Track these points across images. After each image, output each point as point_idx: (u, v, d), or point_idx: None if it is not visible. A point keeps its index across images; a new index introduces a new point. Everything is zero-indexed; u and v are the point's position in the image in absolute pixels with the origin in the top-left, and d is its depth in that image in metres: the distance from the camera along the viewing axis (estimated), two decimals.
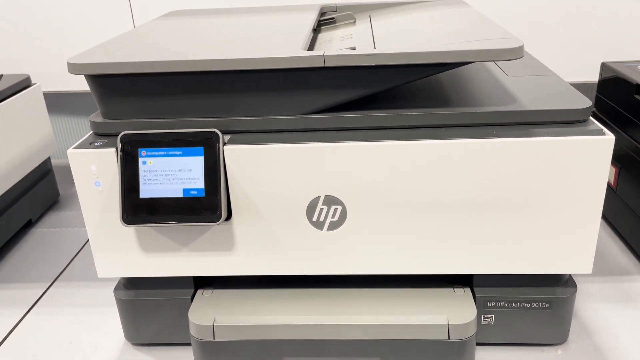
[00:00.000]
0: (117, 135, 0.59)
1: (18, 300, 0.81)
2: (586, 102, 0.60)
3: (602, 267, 0.83)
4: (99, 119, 0.62)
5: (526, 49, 0.67)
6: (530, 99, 0.61)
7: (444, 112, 0.59)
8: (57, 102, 1.28)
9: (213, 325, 0.62)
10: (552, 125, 0.58)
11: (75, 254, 0.93)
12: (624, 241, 0.89)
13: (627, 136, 0.84)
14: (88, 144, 0.60)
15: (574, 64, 1.11)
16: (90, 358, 0.70)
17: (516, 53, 0.54)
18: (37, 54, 1.17)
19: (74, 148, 0.60)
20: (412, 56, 0.55)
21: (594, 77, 1.02)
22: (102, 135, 0.62)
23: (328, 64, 0.56)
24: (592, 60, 1.07)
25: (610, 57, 0.99)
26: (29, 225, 1.02)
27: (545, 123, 0.58)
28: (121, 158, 0.58)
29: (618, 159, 0.87)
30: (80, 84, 0.60)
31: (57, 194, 1.11)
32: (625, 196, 0.87)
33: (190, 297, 0.67)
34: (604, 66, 0.93)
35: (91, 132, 0.63)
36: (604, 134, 0.56)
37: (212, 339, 0.63)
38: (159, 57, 0.58)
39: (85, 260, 0.90)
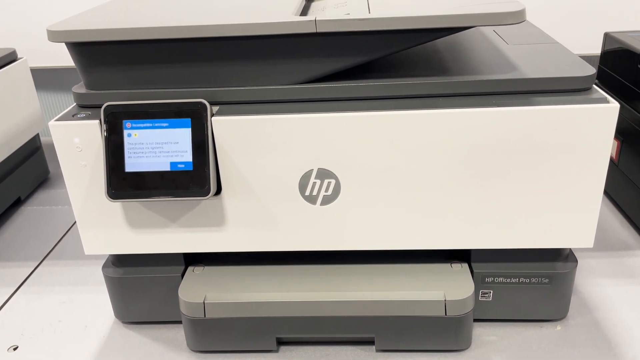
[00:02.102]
0: (101, 107, 0.56)
1: (6, 279, 0.80)
2: (590, 70, 0.57)
3: (603, 242, 0.81)
4: (82, 90, 0.60)
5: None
6: (531, 67, 0.59)
7: (442, 80, 0.57)
8: (46, 79, 1.25)
9: (204, 303, 0.61)
10: (554, 93, 0.56)
11: (64, 232, 0.91)
12: (624, 215, 0.87)
13: (630, 108, 0.82)
14: (71, 116, 0.58)
15: (575, 35, 1.08)
16: (79, 337, 0.68)
17: (518, 17, 0.52)
18: (22, 29, 1.14)
19: (56, 120, 0.57)
20: (408, 21, 0.52)
21: (596, 49, 0.99)
22: (85, 107, 0.59)
23: (320, 30, 0.53)
24: (594, 31, 1.04)
25: (613, 28, 0.96)
26: (18, 203, 1.00)
27: (547, 91, 0.56)
28: (105, 130, 0.56)
29: (620, 132, 0.85)
30: (69, 59, 0.58)
31: (47, 171, 1.09)
32: (627, 170, 0.85)
33: (180, 274, 0.65)
34: (607, 36, 0.90)
35: (74, 104, 0.61)
36: (608, 102, 0.54)
37: (203, 316, 0.61)
38: (143, 24, 0.55)
39: (75, 239, 0.88)
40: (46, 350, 0.66)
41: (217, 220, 0.60)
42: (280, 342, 0.65)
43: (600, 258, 0.78)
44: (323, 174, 0.57)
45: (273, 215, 0.60)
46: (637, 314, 0.67)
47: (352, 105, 0.56)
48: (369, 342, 0.64)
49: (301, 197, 0.58)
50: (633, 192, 0.84)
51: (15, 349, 0.67)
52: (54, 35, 0.55)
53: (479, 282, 0.64)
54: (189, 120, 0.56)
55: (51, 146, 1.15)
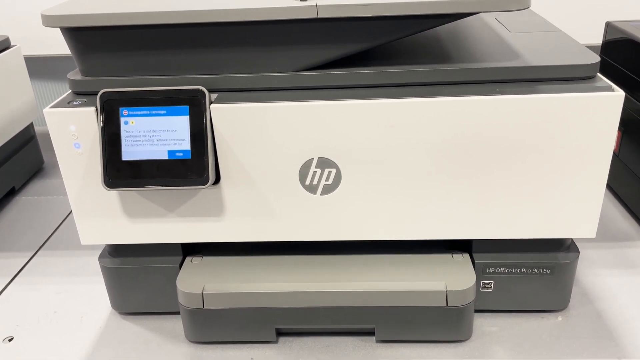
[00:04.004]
0: (97, 94, 0.55)
1: (1, 270, 0.79)
2: (594, 58, 0.57)
3: (604, 233, 0.81)
4: (77, 76, 0.59)
5: None
6: (534, 55, 0.58)
7: (444, 68, 0.56)
8: (40, 67, 1.24)
9: (202, 293, 0.60)
10: (557, 81, 0.55)
11: (60, 222, 0.90)
12: (625, 207, 0.87)
13: (632, 99, 0.82)
14: (66, 103, 0.57)
15: (576, 24, 1.07)
16: (76, 328, 0.67)
17: (522, 3, 0.51)
18: (16, 15, 1.12)
19: (51, 107, 0.56)
20: (411, 6, 0.51)
21: (597, 39, 0.99)
22: (81, 94, 0.58)
23: (321, 15, 0.52)
24: (596, 20, 1.03)
25: (615, 17, 0.95)
26: (12, 193, 0.99)
27: (551, 79, 0.55)
28: (101, 118, 0.55)
29: (622, 122, 0.84)
30: (65, 47, 0.57)
31: (42, 161, 1.08)
32: (628, 161, 0.84)
33: (178, 265, 0.64)
34: (609, 26, 0.89)
35: (70, 91, 0.60)
36: (612, 90, 0.54)
37: (202, 307, 0.61)
38: (140, 9, 0.54)
39: (71, 229, 0.87)
40: (42, 342, 0.66)
41: (216, 210, 0.59)
42: (280, 333, 0.64)
43: (601, 249, 0.77)
44: (323, 163, 0.56)
45: (272, 204, 0.59)
46: (638, 305, 0.67)
47: (353, 93, 0.55)
48: (370, 332, 0.63)
49: (301, 186, 0.57)
50: (634, 183, 0.83)
51: (10, 340, 0.66)
52: (49, 20, 0.54)
53: (480, 272, 0.63)
54: (187, 107, 0.55)
55: (45, 135, 1.14)
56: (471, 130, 0.54)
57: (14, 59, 0.96)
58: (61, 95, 0.59)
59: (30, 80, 1.03)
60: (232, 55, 0.56)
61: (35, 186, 1.02)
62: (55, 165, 1.08)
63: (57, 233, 0.87)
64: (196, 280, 0.62)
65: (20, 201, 0.97)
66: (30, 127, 1.04)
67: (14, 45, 0.97)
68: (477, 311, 0.64)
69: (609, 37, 0.90)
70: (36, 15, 1.13)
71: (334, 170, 0.57)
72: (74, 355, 0.63)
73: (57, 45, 1.09)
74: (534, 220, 0.59)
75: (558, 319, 0.65)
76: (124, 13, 0.53)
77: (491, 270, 0.63)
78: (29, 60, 1.05)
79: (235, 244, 0.63)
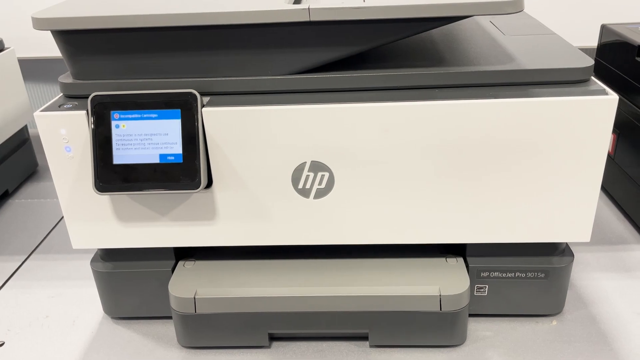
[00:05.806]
0: (88, 97, 0.55)
1: None
2: (588, 61, 0.56)
3: (599, 236, 0.81)
4: (68, 79, 0.58)
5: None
6: (529, 58, 0.58)
7: (438, 71, 0.55)
8: (35, 70, 1.23)
9: (194, 298, 0.60)
10: (552, 85, 0.55)
11: (53, 225, 0.89)
12: (620, 209, 0.87)
13: (627, 101, 0.81)
14: (57, 107, 0.56)
15: (571, 27, 1.07)
16: (68, 332, 0.67)
17: (516, 6, 0.51)
18: (9, 17, 1.12)
19: (41, 110, 0.56)
20: (404, 9, 0.51)
21: (592, 42, 0.99)
22: (72, 97, 0.58)
23: (313, 19, 0.52)
24: (591, 23, 1.03)
25: (610, 19, 0.95)
26: (5, 196, 0.98)
27: (545, 83, 0.55)
28: (92, 121, 0.54)
29: (617, 125, 0.84)
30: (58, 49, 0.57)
31: (36, 164, 1.07)
32: (623, 163, 0.84)
33: (170, 269, 0.64)
34: (604, 28, 0.89)
35: (61, 94, 0.59)
36: (606, 94, 0.53)
37: (194, 312, 0.60)
38: (131, 11, 0.53)
39: (64, 233, 0.87)
40: (33, 346, 0.65)
41: (208, 214, 0.59)
42: (273, 338, 0.64)
43: (596, 252, 0.77)
44: (316, 166, 0.56)
45: (265, 208, 0.58)
46: (633, 309, 0.67)
47: (346, 97, 0.55)
48: (363, 337, 0.63)
49: (294, 190, 0.57)
50: (629, 186, 0.83)
51: (1, 345, 0.65)
52: (39, 23, 0.53)
53: (475, 276, 0.63)
54: (178, 111, 0.54)
55: (40, 138, 1.14)
56: (465, 133, 0.54)
57: (7, 61, 0.96)
58: (55, 98, 0.59)
59: (24, 82, 1.03)
60: (224, 59, 0.55)
61: (29, 189, 1.01)
62: (48, 168, 1.07)
63: (50, 236, 0.87)
64: (188, 285, 0.61)
65: (13, 204, 0.96)
66: (24, 130, 1.03)
67: (7, 47, 0.97)
68: (471, 315, 0.63)
69: (604, 40, 0.90)
70: (30, 17, 1.12)
71: (327, 174, 0.56)
72: None
73: (51, 47, 1.09)
74: (528, 224, 0.58)
75: (553, 323, 0.65)
76: (114, 16, 0.53)
77: (485, 274, 0.63)
78: (22, 62, 1.05)
79: (227, 248, 0.63)
